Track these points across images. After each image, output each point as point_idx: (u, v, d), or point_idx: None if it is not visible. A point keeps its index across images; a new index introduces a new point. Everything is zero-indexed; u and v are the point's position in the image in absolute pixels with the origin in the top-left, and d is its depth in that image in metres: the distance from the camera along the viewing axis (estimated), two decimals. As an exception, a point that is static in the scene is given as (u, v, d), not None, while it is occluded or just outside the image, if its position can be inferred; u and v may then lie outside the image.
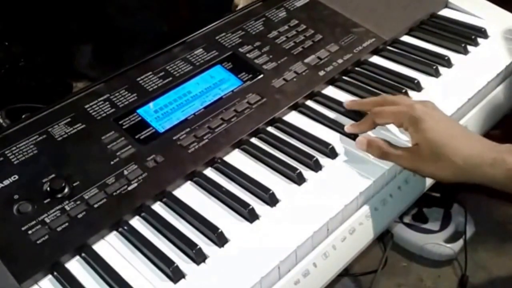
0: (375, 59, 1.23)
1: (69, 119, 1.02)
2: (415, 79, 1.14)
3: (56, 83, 1.37)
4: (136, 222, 0.91)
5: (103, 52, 1.45)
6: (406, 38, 1.29)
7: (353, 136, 1.02)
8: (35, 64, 1.34)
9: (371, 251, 2.01)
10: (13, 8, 1.27)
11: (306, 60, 1.17)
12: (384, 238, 2.03)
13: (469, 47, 1.25)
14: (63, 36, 1.38)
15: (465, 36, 1.27)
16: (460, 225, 2.09)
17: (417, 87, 1.14)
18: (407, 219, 2.11)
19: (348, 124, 1.04)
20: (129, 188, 0.93)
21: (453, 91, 1.13)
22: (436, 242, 2.06)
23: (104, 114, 1.04)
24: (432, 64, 1.19)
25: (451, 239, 2.07)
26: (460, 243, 2.05)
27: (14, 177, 0.93)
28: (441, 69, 1.19)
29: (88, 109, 1.04)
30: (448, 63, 1.20)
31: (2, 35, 1.27)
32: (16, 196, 0.91)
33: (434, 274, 2.05)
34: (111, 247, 0.88)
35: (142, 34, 1.45)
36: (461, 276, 2.01)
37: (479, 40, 1.27)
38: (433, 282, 2.03)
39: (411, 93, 1.13)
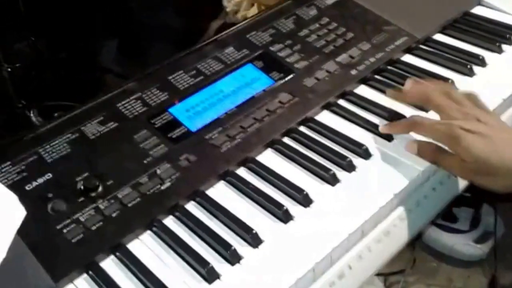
0: (408, 58, 1.22)
1: (101, 118, 1.02)
2: (449, 78, 1.13)
3: (83, 79, 1.37)
4: (170, 222, 0.91)
5: (128, 47, 1.45)
6: (439, 37, 1.28)
7: (386, 136, 1.02)
8: (60, 60, 1.34)
9: (400, 251, 1.99)
10: (39, 3, 1.27)
11: (337, 59, 1.16)
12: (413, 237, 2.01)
13: (504, 46, 1.23)
14: (89, 32, 1.38)
15: (499, 34, 1.25)
16: (490, 225, 2.06)
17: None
18: (436, 219, 2.09)
19: (382, 124, 1.03)
20: (162, 188, 0.93)
21: (487, 91, 1.11)
22: (465, 242, 2.04)
23: (136, 113, 1.04)
24: (466, 63, 1.17)
25: (481, 239, 2.05)
26: (489, 243, 2.03)
27: (48, 176, 0.93)
28: (475, 69, 1.17)
29: (120, 108, 1.04)
30: (482, 62, 1.19)
31: (29, 30, 1.27)
32: (50, 195, 0.91)
33: (463, 275, 2.04)
34: (146, 247, 0.88)
35: (167, 30, 1.45)
36: (491, 277, 1.99)
37: (514, 38, 1.25)
38: (463, 282, 2.02)
39: (445, 92, 1.11)
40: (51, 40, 1.33)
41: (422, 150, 0.97)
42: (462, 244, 2.04)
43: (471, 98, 0.98)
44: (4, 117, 1.27)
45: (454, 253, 2.06)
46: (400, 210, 0.94)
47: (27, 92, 1.25)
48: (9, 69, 1.20)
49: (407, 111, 1.06)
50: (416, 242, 2.05)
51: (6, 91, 1.23)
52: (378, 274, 1.96)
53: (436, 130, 0.94)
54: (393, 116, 1.05)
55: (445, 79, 1.13)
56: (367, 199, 0.91)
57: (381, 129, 1.02)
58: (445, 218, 2.10)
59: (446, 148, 0.95)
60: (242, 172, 0.98)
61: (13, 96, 1.23)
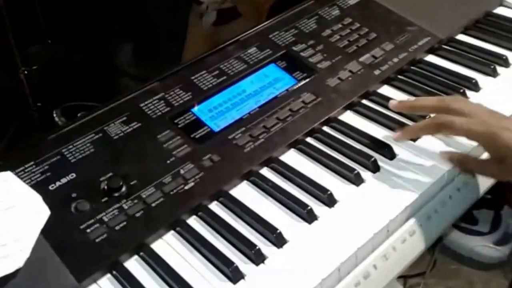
0: (431, 58, 1.21)
1: (124, 118, 1.02)
2: (473, 78, 1.12)
3: (98, 82, 1.38)
4: (194, 222, 0.91)
5: (144, 49, 1.46)
6: (462, 37, 1.27)
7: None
8: (76, 62, 1.35)
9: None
10: (56, 7, 1.27)
11: (361, 59, 1.16)
12: (433, 240, 2.00)
13: (527, 46, 1.22)
14: (104, 35, 1.39)
15: (523, 34, 1.24)
16: (511, 227, 2.05)
17: (475, 87, 1.12)
18: (456, 221, 2.08)
19: (402, 130, 1.01)
20: (186, 188, 0.93)
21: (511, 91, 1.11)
22: (485, 244, 2.03)
23: (160, 113, 1.04)
24: (489, 64, 1.17)
25: (501, 241, 2.04)
26: (510, 245, 2.02)
27: (72, 176, 0.93)
28: (499, 69, 1.17)
29: (144, 108, 1.04)
30: (505, 63, 1.18)
31: (45, 33, 1.28)
32: (74, 195, 0.91)
33: (484, 277, 2.02)
34: (169, 247, 0.87)
35: (181, 31, 1.46)
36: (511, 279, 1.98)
37: (538, 38, 1.24)
38: (483, 285, 2.00)
39: (468, 93, 1.11)
40: (67, 43, 1.34)
41: (462, 162, 0.96)
42: (482, 246, 2.03)
43: (481, 104, 0.98)
44: (21, 119, 1.27)
45: (474, 255, 2.05)
46: (426, 210, 0.93)
47: (43, 94, 1.25)
48: (26, 72, 1.21)
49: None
50: (437, 244, 2.03)
51: (22, 93, 1.24)
52: (398, 277, 1.95)
53: (470, 129, 0.92)
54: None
55: (469, 79, 1.12)
56: (392, 199, 0.91)
57: (401, 134, 1.00)
58: (466, 220, 2.09)
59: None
60: (265, 172, 0.98)
61: (29, 98, 1.24)
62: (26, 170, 0.93)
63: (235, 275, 0.82)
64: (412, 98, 1.08)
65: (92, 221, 0.87)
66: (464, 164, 0.96)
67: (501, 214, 2.09)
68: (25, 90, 1.24)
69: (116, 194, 0.91)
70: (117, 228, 0.87)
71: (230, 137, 1.01)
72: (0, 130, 1.23)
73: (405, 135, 1.01)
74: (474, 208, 2.07)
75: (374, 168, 0.96)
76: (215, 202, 0.94)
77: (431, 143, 1.00)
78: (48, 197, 0.89)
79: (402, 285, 1.97)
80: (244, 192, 0.95)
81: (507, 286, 1.99)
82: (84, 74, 1.36)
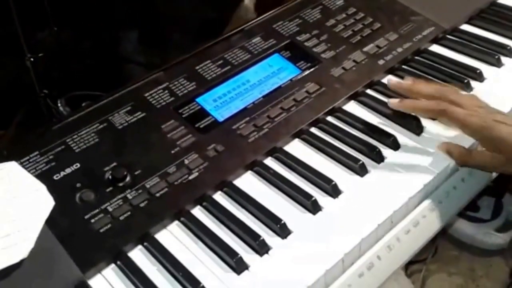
0: (435, 48, 1.21)
1: (129, 108, 1.02)
2: (477, 68, 1.12)
3: (105, 70, 1.37)
4: (198, 212, 0.91)
5: (151, 37, 1.45)
6: (466, 27, 1.27)
7: (416, 127, 1.01)
8: (83, 50, 1.34)
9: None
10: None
11: (365, 49, 1.16)
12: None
13: (532, 36, 1.22)
14: (111, 22, 1.38)
15: (527, 24, 1.24)
16: (512, 214, 2.06)
17: (479, 77, 1.12)
18: (458, 208, 2.08)
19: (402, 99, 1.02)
20: (190, 178, 0.93)
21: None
22: (487, 231, 2.03)
23: (164, 103, 1.04)
24: (494, 54, 1.17)
25: (503, 228, 2.04)
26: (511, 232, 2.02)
27: (76, 165, 0.93)
28: (503, 59, 1.16)
29: (148, 98, 1.04)
30: (510, 53, 1.18)
31: (51, 20, 1.27)
32: (78, 185, 0.91)
33: (485, 264, 2.02)
34: (174, 237, 0.88)
35: (189, 20, 1.45)
36: (513, 267, 1.99)
37: (542, 28, 1.24)
38: (484, 271, 2.01)
39: (473, 83, 1.11)
40: (74, 30, 1.33)
41: (453, 151, 0.96)
42: (484, 233, 2.03)
43: (476, 96, 0.99)
44: (27, 106, 1.27)
45: (475, 242, 2.05)
46: (430, 201, 0.94)
47: (50, 82, 1.25)
48: (32, 59, 1.20)
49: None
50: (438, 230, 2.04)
51: (29, 80, 1.24)
52: (400, 264, 1.96)
53: (467, 121, 0.92)
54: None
55: (474, 70, 1.12)
56: (397, 189, 0.91)
57: (398, 103, 1.01)
58: (467, 207, 2.07)
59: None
60: (270, 162, 0.98)
61: (36, 85, 1.23)
62: (30, 160, 0.93)
63: (239, 265, 0.82)
64: (411, 78, 1.05)
65: (96, 211, 0.88)
66: (461, 157, 0.95)
67: (502, 201, 2.10)
68: (32, 78, 1.23)
69: (121, 184, 0.91)
70: (121, 218, 0.87)
71: (234, 127, 1.01)
72: (7, 117, 1.23)
73: (403, 106, 1.01)
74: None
75: (379, 158, 0.96)
76: (219, 192, 0.94)
77: (436, 134, 1.00)
78: (52, 187, 0.89)
79: (403, 271, 1.97)
80: (248, 182, 0.95)
81: (508, 272, 1.99)
82: (91, 61, 1.36)
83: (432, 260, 1.99)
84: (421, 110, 0.99)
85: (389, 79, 1.05)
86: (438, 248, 2.02)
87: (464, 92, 1.03)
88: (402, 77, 1.12)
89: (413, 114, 1.01)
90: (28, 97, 1.24)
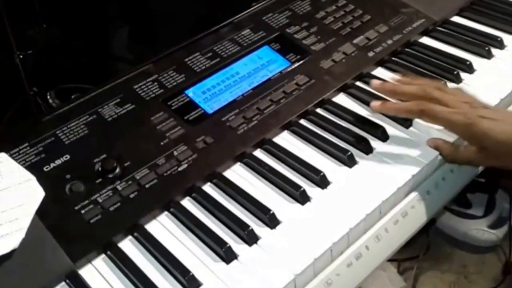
0: (425, 40, 1.21)
1: (118, 100, 1.02)
2: (467, 60, 1.12)
3: (94, 66, 1.37)
4: (187, 203, 0.91)
5: (139, 33, 1.45)
6: (457, 19, 1.27)
7: (404, 122, 1.01)
8: (71, 47, 1.34)
9: (413, 237, 1.99)
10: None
11: (354, 41, 1.16)
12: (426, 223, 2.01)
13: (522, 28, 1.22)
14: (100, 19, 1.38)
15: (517, 16, 1.24)
16: (505, 210, 2.05)
17: (469, 68, 1.12)
18: (450, 205, 2.09)
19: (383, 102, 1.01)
20: (179, 169, 0.93)
21: (506, 73, 1.11)
22: (480, 228, 2.03)
23: (153, 95, 1.04)
24: (484, 45, 1.17)
25: (495, 225, 2.04)
26: (504, 229, 2.02)
27: (66, 157, 0.94)
28: (493, 51, 1.17)
29: (137, 90, 1.04)
30: (500, 44, 1.18)
31: (40, 17, 1.27)
32: (68, 176, 0.91)
33: (478, 260, 2.03)
34: (163, 227, 0.88)
35: (178, 16, 1.45)
36: (505, 263, 1.98)
37: (532, 21, 1.24)
38: (477, 268, 2.01)
39: (463, 75, 1.11)
40: (63, 27, 1.33)
41: (442, 148, 0.96)
42: (477, 229, 2.04)
43: (461, 90, 0.98)
44: (17, 103, 1.27)
45: (468, 238, 2.05)
46: (418, 192, 0.94)
47: (39, 78, 1.25)
48: (21, 56, 1.21)
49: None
50: (430, 228, 2.04)
51: (18, 77, 1.24)
52: (391, 260, 1.96)
53: (449, 119, 0.92)
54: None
55: (463, 61, 1.12)
56: (385, 180, 0.91)
57: (380, 106, 1.00)
58: (460, 204, 2.09)
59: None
60: (258, 153, 0.98)
61: (25, 82, 1.23)
62: (20, 152, 0.94)
63: (228, 255, 0.82)
64: (396, 77, 1.06)
65: (86, 202, 0.88)
66: (449, 153, 0.96)
67: (495, 197, 2.10)
68: (21, 75, 1.23)
69: (110, 176, 0.91)
70: (111, 209, 0.87)
71: (223, 119, 1.01)
72: (-3, 115, 1.23)
73: (384, 109, 1.00)
74: (468, 192, 2.08)
75: (367, 149, 0.96)
76: (208, 184, 0.94)
77: (424, 125, 1.00)
78: (42, 179, 0.90)
79: (395, 268, 1.98)
80: (237, 173, 0.95)
81: (501, 269, 1.99)
82: (80, 58, 1.36)
83: (424, 257, 1.99)
84: (403, 112, 0.99)
85: (372, 81, 1.04)
86: (431, 245, 2.02)
87: (451, 85, 1.03)
88: (392, 70, 1.13)
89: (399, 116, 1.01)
90: (18, 94, 1.24)
